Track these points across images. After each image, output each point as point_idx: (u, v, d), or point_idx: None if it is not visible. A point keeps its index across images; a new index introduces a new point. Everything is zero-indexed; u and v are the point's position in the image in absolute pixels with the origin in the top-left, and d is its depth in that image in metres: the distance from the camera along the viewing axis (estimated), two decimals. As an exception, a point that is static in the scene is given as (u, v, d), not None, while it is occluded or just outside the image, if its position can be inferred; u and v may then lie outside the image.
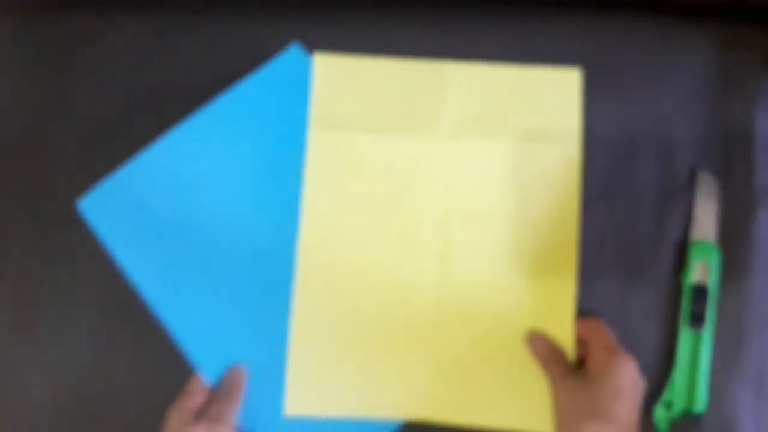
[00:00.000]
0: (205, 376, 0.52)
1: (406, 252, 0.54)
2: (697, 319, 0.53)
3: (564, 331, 0.53)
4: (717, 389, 0.53)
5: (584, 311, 0.54)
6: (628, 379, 0.48)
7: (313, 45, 0.56)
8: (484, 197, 0.54)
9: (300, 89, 0.55)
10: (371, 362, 0.53)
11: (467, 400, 0.53)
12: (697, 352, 0.53)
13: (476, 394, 0.53)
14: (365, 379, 0.53)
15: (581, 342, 0.53)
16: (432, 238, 0.54)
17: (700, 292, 0.53)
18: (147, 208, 0.54)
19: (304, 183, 0.54)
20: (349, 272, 0.54)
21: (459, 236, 0.54)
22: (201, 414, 0.50)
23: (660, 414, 0.53)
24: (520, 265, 0.54)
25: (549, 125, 0.55)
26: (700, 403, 0.52)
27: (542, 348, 0.52)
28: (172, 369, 0.54)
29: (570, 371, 0.51)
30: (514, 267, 0.54)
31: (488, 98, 0.55)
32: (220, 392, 0.51)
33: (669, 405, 0.53)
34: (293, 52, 0.55)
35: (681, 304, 0.53)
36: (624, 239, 0.54)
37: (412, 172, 0.55)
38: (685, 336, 0.53)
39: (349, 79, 0.56)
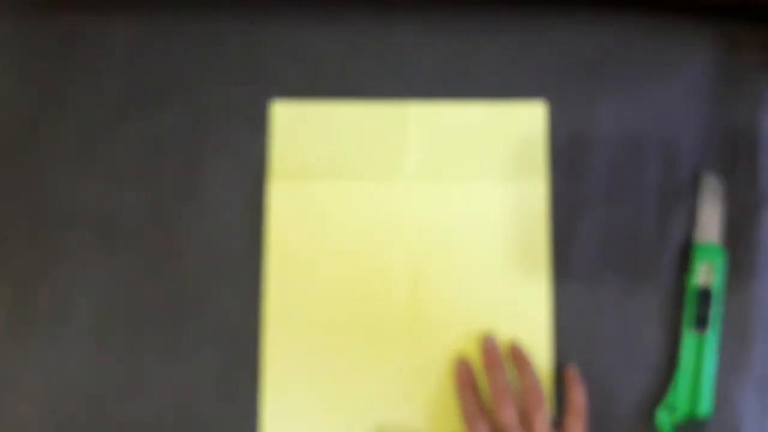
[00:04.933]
0: None
1: (376, 296, 0.54)
2: (701, 322, 0.52)
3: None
4: (721, 393, 0.53)
5: (588, 314, 0.54)
6: None
7: (313, 46, 0.56)
8: (452, 237, 0.54)
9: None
10: (343, 404, 0.53)
11: None
12: (701, 355, 0.52)
13: None
14: (337, 418, 0.53)
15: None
16: (402, 281, 0.54)
17: (704, 294, 0.52)
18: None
19: (267, 235, 0.54)
20: (319, 322, 0.54)
21: (428, 278, 0.54)
22: None
23: (663, 418, 0.52)
24: (492, 303, 0.54)
25: (515, 161, 0.54)
26: (704, 407, 0.52)
27: (464, 375, 0.52)
28: (170, 370, 0.54)
29: (484, 414, 0.50)
30: (486, 304, 0.54)
31: (451, 137, 0.55)
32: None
33: (672, 409, 0.52)
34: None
35: (685, 307, 0.53)
36: (627, 241, 0.54)
37: (378, 216, 0.54)
38: (688, 339, 0.53)
39: (309, 125, 0.55)
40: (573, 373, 0.52)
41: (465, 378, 0.52)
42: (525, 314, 0.53)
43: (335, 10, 0.56)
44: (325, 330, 0.53)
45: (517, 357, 0.52)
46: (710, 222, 0.54)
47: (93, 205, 0.55)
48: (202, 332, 0.54)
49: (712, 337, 0.52)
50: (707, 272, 0.53)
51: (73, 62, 0.56)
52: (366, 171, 0.55)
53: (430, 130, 0.55)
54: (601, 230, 0.54)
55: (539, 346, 0.53)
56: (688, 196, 0.55)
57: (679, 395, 0.52)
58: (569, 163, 0.55)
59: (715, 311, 0.52)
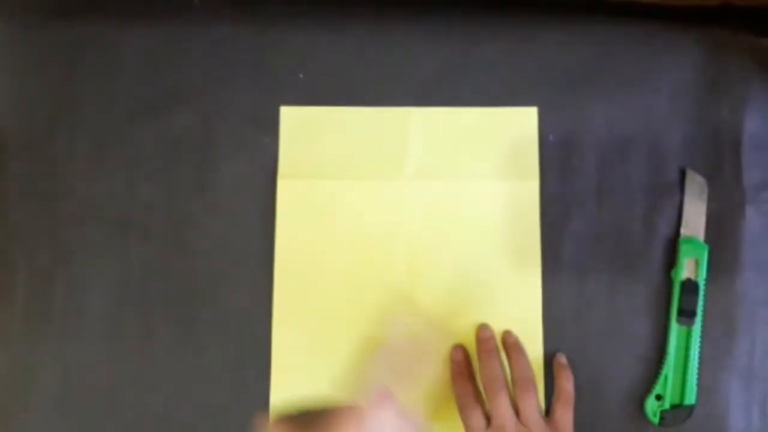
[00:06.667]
0: None
1: (378, 288, 0.55)
2: (687, 315, 0.53)
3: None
4: (708, 383, 0.54)
5: (578, 307, 0.55)
6: None
7: (319, 56, 0.58)
8: (449, 233, 0.56)
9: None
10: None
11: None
12: (688, 346, 0.54)
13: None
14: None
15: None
16: (402, 273, 0.56)
17: (690, 288, 0.54)
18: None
19: (276, 232, 0.56)
20: (325, 312, 0.55)
21: (427, 270, 0.56)
22: None
23: (652, 406, 0.54)
24: (486, 295, 0.55)
25: (509, 162, 0.56)
26: (691, 396, 0.53)
27: (459, 362, 0.54)
28: (182, 362, 0.55)
29: (478, 401, 0.52)
30: (480, 296, 0.55)
31: (450, 139, 0.57)
32: None
33: (660, 398, 0.54)
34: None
35: (672, 300, 0.54)
36: (616, 237, 0.56)
37: (380, 213, 0.56)
38: (675, 331, 0.54)
39: (315, 128, 0.57)
40: (562, 362, 0.53)
41: (460, 365, 0.54)
42: (518, 306, 0.55)
43: (340, 22, 0.58)
44: (330, 320, 0.55)
45: (510, 345, 0.53)
46: (695, 219, 0.55)
47: (108, 204, 0.56)
48: (213, 325, 0.55)
49: (697, 328, 0.54)
50: (693, 266, 0.54)
51: (90, 66, 0.57)
52: (369, 171, 0.57)
53: (430, 133, 0.57)
54: (590, 227, 0.56)
55: (531, 338, 0.55)
56: (674, 193, 0.56)
57: (667, 385, 0.54)
58: (560, 164, 0.56)
59: (700, 304, 0.54)
